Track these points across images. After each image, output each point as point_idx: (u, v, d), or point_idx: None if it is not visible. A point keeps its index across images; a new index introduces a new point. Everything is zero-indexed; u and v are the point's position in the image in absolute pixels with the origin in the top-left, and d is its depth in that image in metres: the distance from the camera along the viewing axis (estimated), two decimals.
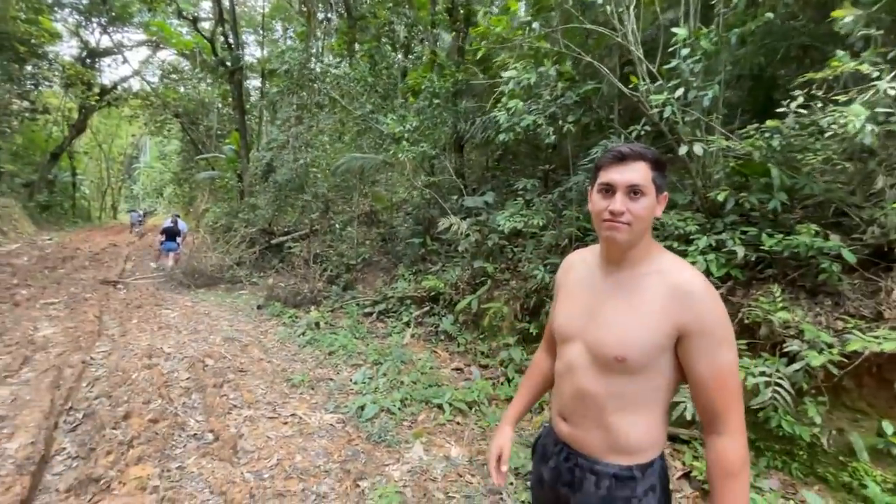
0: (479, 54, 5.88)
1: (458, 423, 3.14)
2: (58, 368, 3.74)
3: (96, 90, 22.30)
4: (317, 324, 5.71)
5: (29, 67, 19.55)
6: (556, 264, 4.06)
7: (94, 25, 22.49)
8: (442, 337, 4.99)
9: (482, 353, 4.40)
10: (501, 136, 4.06)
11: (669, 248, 2.95)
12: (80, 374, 3.74)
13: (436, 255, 6.37)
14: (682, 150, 2.72)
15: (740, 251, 2.46)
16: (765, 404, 2.03)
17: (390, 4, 11.23)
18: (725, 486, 0.90)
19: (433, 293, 5.48)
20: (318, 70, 5.48)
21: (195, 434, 2.87)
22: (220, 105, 23.38)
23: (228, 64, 13.20)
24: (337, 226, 8.24)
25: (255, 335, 5.44)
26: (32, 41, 18.54)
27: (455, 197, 5.38)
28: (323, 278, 7.89)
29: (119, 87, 24.30)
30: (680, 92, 2.65)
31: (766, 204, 2.54)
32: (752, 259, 2.51)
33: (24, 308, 5.97)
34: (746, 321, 2.43)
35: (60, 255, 11.27)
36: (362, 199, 9.67)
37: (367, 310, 6.21)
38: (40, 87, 20.99)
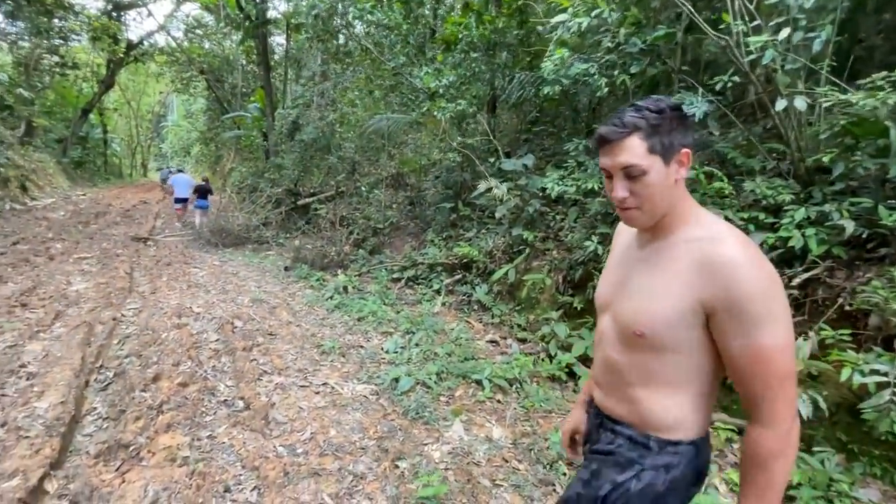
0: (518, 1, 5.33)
1: (498, 402, 2.94)
2: (89, 325, 3.69)
3: (123, 44, 22.12)
4: (345, 288, 5.57)
5: (56, 20, 19.41)
6: (608, 234, 3.73)
7: None
8: (475, 307, 4.76)
9: (519, 325, 4.16)
10: (546, 90, 3.64)
11: (754, 219, 2.58)
12: (111, 331, 3.69)
13: (468, 221, 6.06)
14: (780, 105, 2.29)
15: (849, 226, 2.08)
16: (880, 408, 1.72)
17: None
18: (751, 476, 0.83)
19: (465, 261, 5.22)
20: (350, 14, 5.03)
21: (226, 400, 2.75)
22: (244, 62, 22.96)
23: (253, 17, 12.71)
24: (363, 188, 7.97)
25: (283, 297, 5.34)
26: None
27: (492, 160, 5.00)
28: (349, 241, 7.73)
29: (145, 42, 24.07)
30: (785, 33, 2.19)
31: (884, 170, 2.12)
32: (864, 236, 2.12)
33: (58, 262, 6.02)
34: (849, 308, 2.09)
35: (93, 211, 11.45)
36: (389, 161, 9.34)
37: (395, 275, 6.03)
38: (69, 42, 20.93)
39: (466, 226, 6.05)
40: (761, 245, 2.32)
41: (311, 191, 10.30)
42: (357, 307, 4.82)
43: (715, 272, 0.80)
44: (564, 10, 3.56)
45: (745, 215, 2.39)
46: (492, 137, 5.17)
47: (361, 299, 5.17)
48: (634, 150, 0.84)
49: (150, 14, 22.90)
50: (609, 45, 3.27)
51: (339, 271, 6.69)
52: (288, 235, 9.09)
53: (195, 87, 25.95)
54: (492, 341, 4.03)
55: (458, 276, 5.28)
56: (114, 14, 22.46)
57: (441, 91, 5.12)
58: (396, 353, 3.66)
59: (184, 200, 9.89)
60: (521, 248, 4.51)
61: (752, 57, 2.29)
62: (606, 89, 3.53)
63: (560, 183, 3.65)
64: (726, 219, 2.42)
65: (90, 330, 3.62)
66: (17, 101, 13.95)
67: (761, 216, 2.37)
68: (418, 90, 5.72)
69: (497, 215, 4.66)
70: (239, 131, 14.69)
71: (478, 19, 4.90)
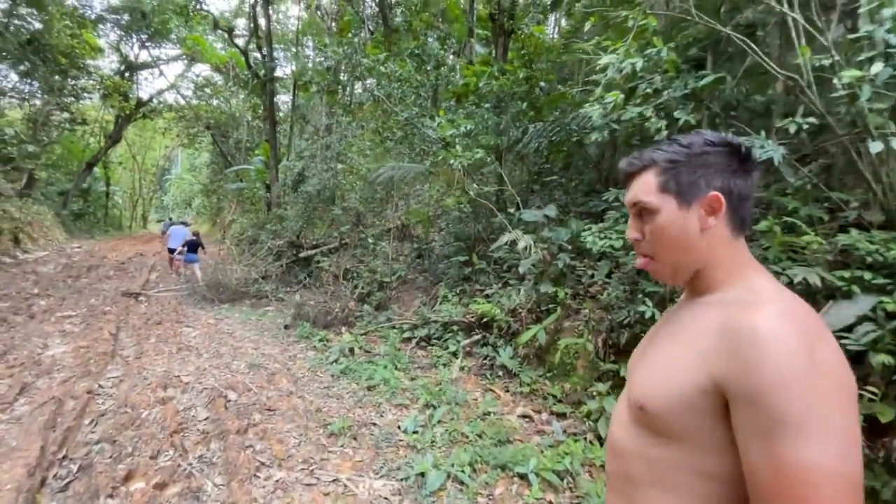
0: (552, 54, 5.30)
1: (549, 503, 2.40)
2: (58, 401, 3.17)
3: (133, 101, 22.78)
4: (351, 349, 5.06)
5: (71, 80, 20.05)
6: (656, 293, 3.33)
7: (134, 41, 23.18)
8: (499, 373, 4.25)
9: (553, 396, 3.65)
10: (594, 136, 3.39)
11: (858, 279, 2.20)
12: (82, 408, 3.16)
13: (483, 275, 5.67)
14: (875, 147, 1.99)
15: None
16: None
17: (425, 14, 10.88)
18: None
19: (485, 319, 4.77)
20: (364, 64, 4.95)
21: None
22: (249, 118, 23.65)
23: (262, 74, 13.04)
24: (369, 240, 7.64)
25: (283, 361, 4.81)
26: (75, 55, 19.03)
27: (511, 210, 4.70)
28: (354, 296, 7.29)
29: (154, 100, 24.84)
30: (878, 67, 1.94)
31: None
32: None
33: (38, 322, 5.53)
34: None
35: (86, 264, 11.05)
36: (394, 212, 9.12)
37: (405, 334, 5.53)
38: (80, 100, 21.52)
39: (482, 280, 5.65)
40: (873, 311, 1.92)
41: (314, 242, 9.98)
42: (366, 373, 4.30)
43: (734, 343, 0.60)
44: (603, 51, 3.38)
45: (846, 274, 2.01)
46: (509, 186, 4.91)
47: (370, 363, 4.66)
48: (645, 186, 0.75)
49: (161, 74, 23.68)
50: (658, 86, 3.04)
51: (344, 329, 6.20)
52: (288, 289, 8.64)
53: (200, 141, 26.56)
54: (524, 416, 3.49)
55: (476, 337, 4.80)
56: (126, 74, 23.34)
57: (456, 140, 4.92)
58: (416, 433, 3.12)
59: (172, 251, 9.65)
60: (550, 306, 4.09)
61: (838, 93, 2.02)
62: (666, 131, 3.24)
63: (602, 236, 3.30)
64: (822, 280, 2.06)
65: (59, 407, 3.09)
66: (20, 155, 13.96)
67: (867, 275, 1.99)
68: (430, 140, 5.53)
69: (521, 270, 4.28)
70: (242, 184, 14.65)
71: (500, 72, 4.81)
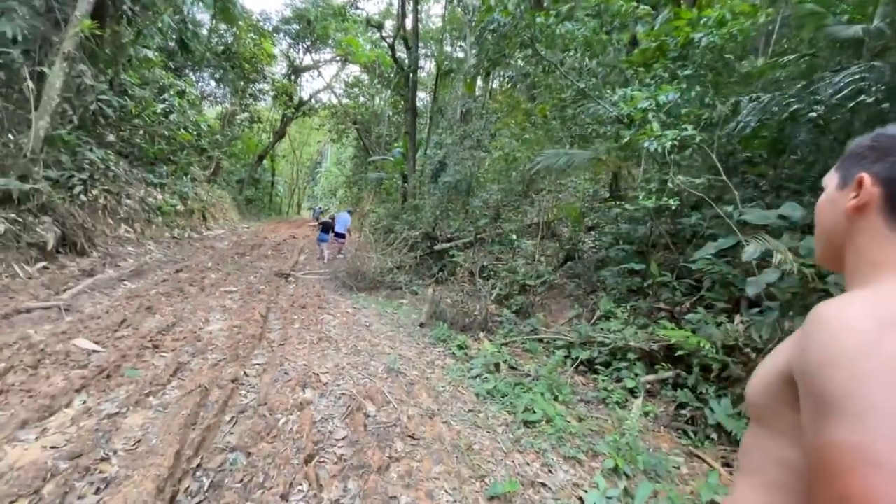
0: None
1: None
2: (204, 390, 2.97)
3: (296, 100, 25.63)
4: (496, 365, 4.29)
5: (252, 84, 23.31)
6: None
7: (300, 46, 26.09)
8: (709, 433, 3.04)
9: None
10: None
11: None
12: (225, 401, 2.91)
13: (666, 290, 4.41)
14: None
15: None
16: None
17: None
18: None
19: (679, 352, 3.56)
20: (538, 24, 4.08)
21: None
22: (390, 113, 24.91)
23: (406, 66, 13.16)
24: (512, 236, 6.81)
25: (421, 368, 4.26)
26: (256, 61, 22.03)
27: (729, 208, 3.37)
28: (491, 297, 6.56)
29: (313, 100, 27.72)
30: None
31: None
32: None
33: (206, 295, 5.91)
34: None
35: (251, 243, 12.36)
36: (540, 206, 8.14)
37: (559, 352, 4.57)
38: (258, 101, 24.96)
39: (665, 297, 4.39)
40: None
41: (449, 236, 9.56)
42: (520, 401, 3.47)
43: (805, 331, 0.56)
44: None
45: None
46: (723, 175, 3.57)
47: (520, 385, 3.82)
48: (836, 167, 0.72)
49: (319, 75, 26.22)
50: None
51: (483, 335, 5.49)
52: (422, 282, 8.32)
53: (347, 136, 28.98)
54: None
55: (666, 374, 3.61)
56: (292, 77, 26.40)
57: (650, 116, 3.75)
58: None
59: (339, 235, 10.52)
60: None
61: None
62: None
63: None
64: None
65: (203, 398, 2.88)
66: (211, 145, 16.38)
67: None
68: (605, 120, 4.43)
69: (750, 292, 2.99)
70: (381, 173, 15.12)
71: (718, 23, 3.51)
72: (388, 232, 12.31)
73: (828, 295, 2.71)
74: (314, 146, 39.94)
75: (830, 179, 0.71)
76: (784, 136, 4.95)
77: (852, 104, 4.02)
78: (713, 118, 3.72)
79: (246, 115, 24.81)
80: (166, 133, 12.25)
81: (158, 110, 11.88)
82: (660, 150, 3.40)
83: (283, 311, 5.59)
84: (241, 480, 2.11)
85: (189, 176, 13.39)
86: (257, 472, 2.20)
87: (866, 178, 0.63)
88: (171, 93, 12.98)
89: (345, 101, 26.29)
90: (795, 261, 2.61)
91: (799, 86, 4.41)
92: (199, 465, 2.24)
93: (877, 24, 4.58)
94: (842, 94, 4.04)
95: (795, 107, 4.15)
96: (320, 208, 25.54)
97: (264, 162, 28.94)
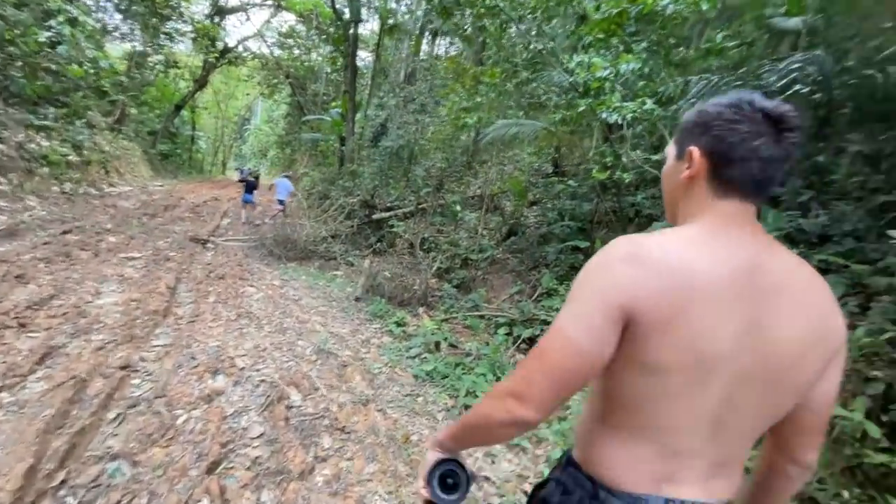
0: None
1: None
2: (81, 382, 2.40)
3: (220, 45, 23.00)
4: (437, 344, 4.06)
5: (166, 22, 20.40)
6: None
7: None
8: None
9: None
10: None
11: None
12: (110, 393, 2.38)
13: None
14: None
15: None
16: None
17: None
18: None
19: None
20: None
21: None
22: (328, 70, 23.12)
23: (346, 16, 12.05)
24: (457, 208, 6.53)
25: (356, 347, 3.91)
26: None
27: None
28: (432, 270, 6.30)
29: (240, 47, 24.95)
30: None
31: None
32: None
33: (100, 261, 5.04)
34: None
35: (164, 203, 11.00)
36: (486, 178, 7.90)
37: (501, 330, 4.43)
38: (174, 42, 21.96)
39: None
40: None
41: (388, 205, 9.08)
42: (463, 384, 3.27)
43: None
44: None
45: None
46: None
47: (461, 366, 3.63)
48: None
49: (248, 19, 23.60)
50: None
51: (422, 310, 5.24)
52: (358, 253, 7.84)
53: (280, 91, 26.65)
54: None
55: None
56: (216, 18, 23.47)
57: (606, 86, 3.56)
58: None
59: (281, 202, 9.95)
60: None
61: None
62: None
63: None
64: None
65: (79, 391, 2.33)
66: (114, 88, 14.19)
67: None
68: (561, 87, 4.21)
69: None
70: (317, 134, 14.04)
71: None
72: (324, 198, 11.51)
73: None
74: (242, 100, 36.44)
75: (670, 150, 0.79)
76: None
77: (789, 92, 4.15)
78: (669, 94, 3.61)
79: (160, 57, 21.83)
80: (53, 67, 10.31)
81: (42, 38, 9.90)
82: (619, 121, 3.23)
83: (196, 283, 4.91)
84: (119, 502, 1.67)
85: (84, 121, 11.50)
86: (142, 486, 1.77)
87: (695, 151, 0.72)
88: (61, 19, 10.86)
89: (277, 52, 23.98)
90: None
91: (743, 70, 4.47)
92: (63, 482, 1.76)
93: (812, 18, 4.74)
94: (783, 81, 4.15)
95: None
96: (248, 169, 23.50)
97: (183, 113, 25.94)
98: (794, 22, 4.78)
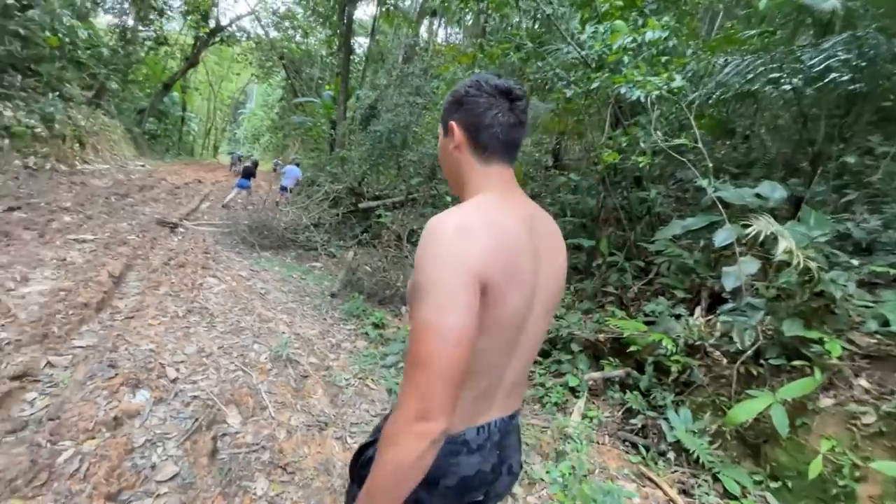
0: None
1: None
2: None
3: (211, 22, 22.14)
4: None
5: None
6: None
7: None
8: (664, 449, 2.53)
9: None
10: None
11: None
12: None
13: (619, 274, 3.87)
14: None
15: None
16: None
17: None
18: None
19: (630, 348, 3.02)
20: None
21: None
22: (323, 54, 22.33)
23: None
24: (450, 198, 5.99)
25: (323, 352, 3.38)
26: None
27: (704, 181, 2.79)
28: None
29: (233, 26, 24.04)
30: None
31: None
32: None
33: (43, 241, 4.46)
34: None
35: (141, 183, 10.35)
36: None
37: None
38: (164, 16, 21.02)
39: (614, 280, 3.85)
40: None
41: (377, 193, 8.51)
42: None
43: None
44: None
45: None
46: (698, 142, 2.98)
47: None
48: None
49: None
50: None
51: (405, 310, 4.71)
52: (341, 243, 7.29)
53: (275, 75, 25.80)
54: None
55: (615, 373, 3.07)
56: None
57: (625, 59, 3.02)
58: None
59: (284, 189, 9.84)
60: (793, 361, 2.26)
61: None
62: None
63: None
64: None
65: None
66: (92, 60, 13.42)
67: None
68: (570, 65, 3.67)
69: (727, 284, 2.45)
70: (307, 118, 13.38)
71: None
72: (311, 184, 10.93)
73: (823, 301, 2.22)
74: (235, 82, 35.43)
75: (440, 127, 0.89)
76: (729, 120, 4.68)
77: (827, 80, 3.67)
78: (699, 71, 3.09)
79: (150, 33, 20.95)
80: (22, 32, 9.57)
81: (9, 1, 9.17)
82: (643, 98, 2.70)
83: (150, 271, 4.34)
84: None
85: (58, 93, 10.78)
86: None
87: (454, 125, 0.84)
88: None
89: (273, 34, 23.13)
90: (809, 256, 2.07)
91: (780, 51, 3.96)
92: None
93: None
94: (823, 65, 3.66)
95: (775, 74, 3.68)
96: (240, 154, 22.81)
97: (174, 94, 25.04)
98: (831, 3, 4.27)
